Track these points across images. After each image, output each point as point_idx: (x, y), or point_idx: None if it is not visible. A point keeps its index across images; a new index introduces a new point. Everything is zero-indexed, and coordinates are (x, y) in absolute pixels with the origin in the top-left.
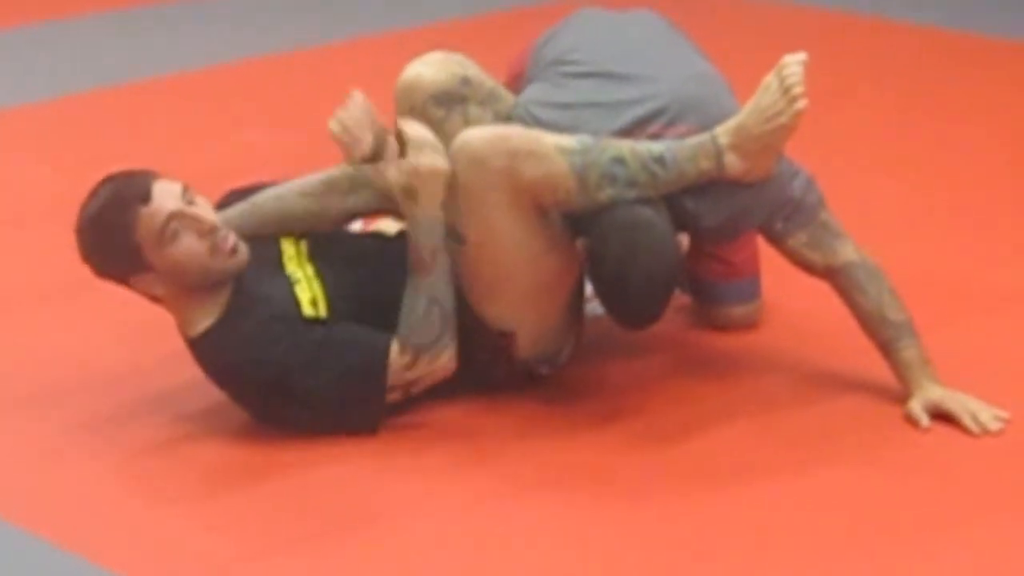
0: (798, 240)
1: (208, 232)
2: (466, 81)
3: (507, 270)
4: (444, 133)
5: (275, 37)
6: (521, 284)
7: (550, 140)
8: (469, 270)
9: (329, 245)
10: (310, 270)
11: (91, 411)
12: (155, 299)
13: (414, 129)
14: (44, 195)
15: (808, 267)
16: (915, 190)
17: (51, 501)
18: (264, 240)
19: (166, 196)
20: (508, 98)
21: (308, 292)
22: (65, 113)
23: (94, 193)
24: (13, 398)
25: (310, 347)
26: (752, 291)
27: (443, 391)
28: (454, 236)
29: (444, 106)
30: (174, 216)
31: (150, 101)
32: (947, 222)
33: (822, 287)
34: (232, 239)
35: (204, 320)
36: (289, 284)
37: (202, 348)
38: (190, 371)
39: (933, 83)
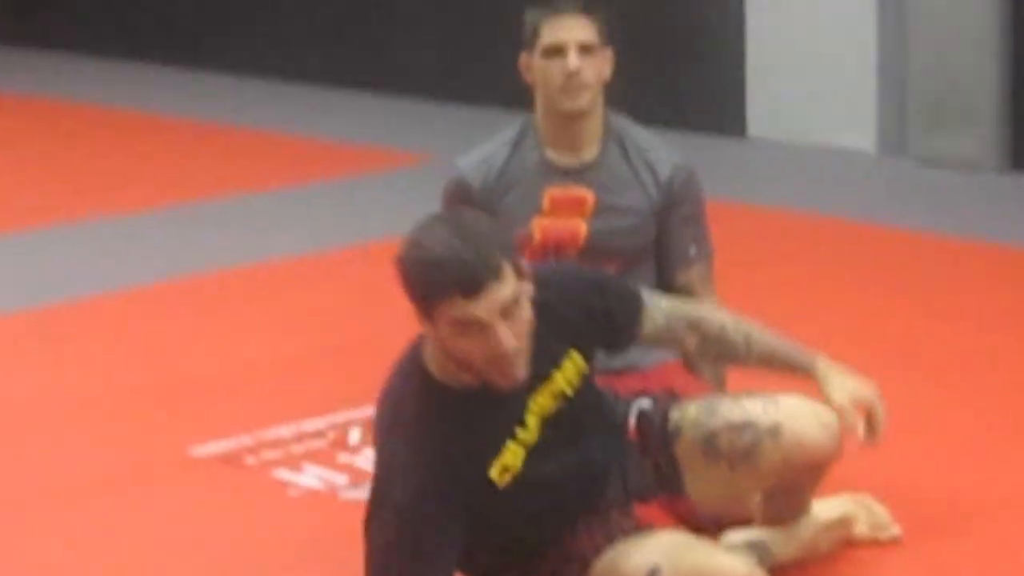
0: (698, 270)
1: (497, 358)
2: None
3: None
4: None
5: (267, 244)
6: None
7: None
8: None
9: (558, 432)
10: (532, 439)
11: None
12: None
13: None
14: (38, 400)
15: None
16: (915, 396)
17: None
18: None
19: (493, 298)
20: None
21: (511, 458)
22: (57, 319)
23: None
24: None
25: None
26: None
27: None
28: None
29: None
30: (472, 323)
31: (145, 307)
32: (945, 427)
33: None
34: (522, 370)
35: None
36: (508, 436)
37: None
38: None
39: (935, 289)
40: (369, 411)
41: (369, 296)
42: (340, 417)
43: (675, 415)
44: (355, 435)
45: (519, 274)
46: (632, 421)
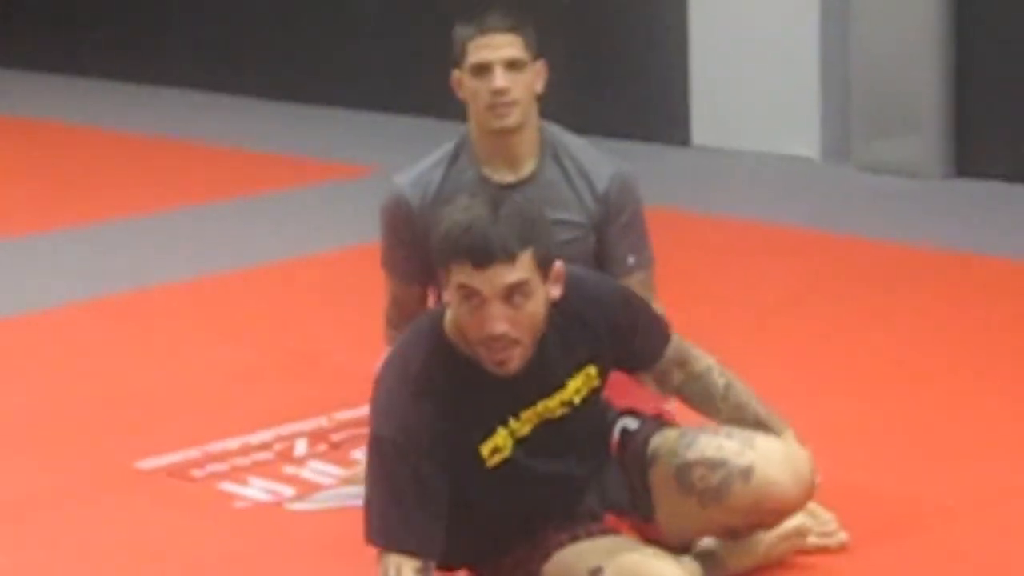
0: (638, 279)
1: (485, 339)
2: None
3: None
4: None
5: (213, 257)
6: None
7: None
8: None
9: (553, 435)
10: (523, 432)
11: None
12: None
13: None
14: None
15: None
16: (863, 403)
17: None
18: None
19: (499, 277)
20: None
21: (502, 440)
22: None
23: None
24: None
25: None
26: None
27: None
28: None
29: None
30: (475, 294)
31: (90, 321)
32: (894, 434)
33: None
34: (515, 363)
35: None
36: (499, 421)
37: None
38: None
39: (880, 295)
40: (315, 423)
41: (315, 308)
42: (286, 429)
43: (655, 441)
44: (301, 447)
45: (543, 272)
46: (616, 436)
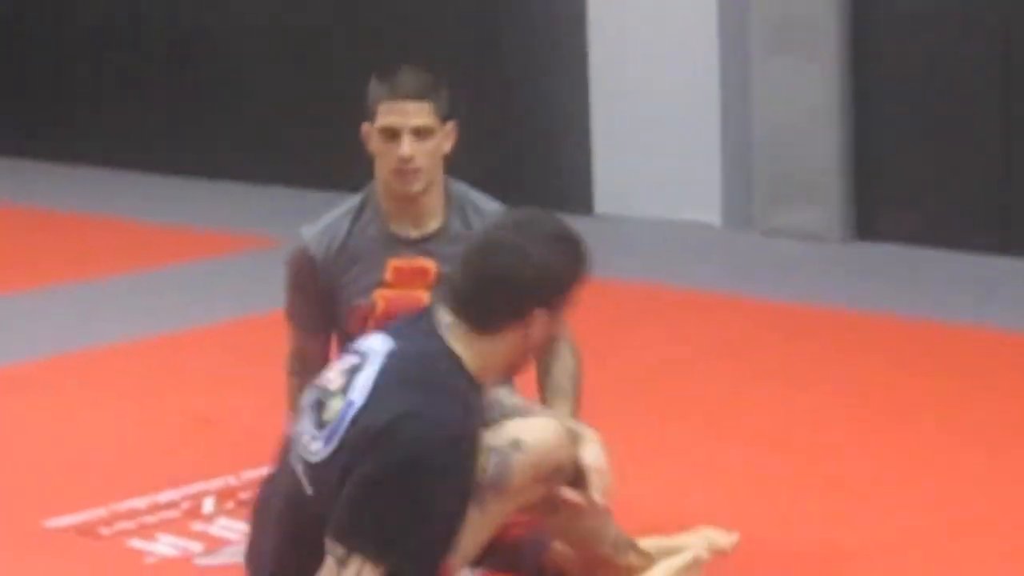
0: None
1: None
2: None
3: None
4: None
5: (120, 326)
6: None
7: None
8: None
9: None
10: None
11: None
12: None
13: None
14: None
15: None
16: (757, 456)
17: None
18: None
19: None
20: None
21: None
22: None
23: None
24: None
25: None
26: None
27: None
28: None
29: None
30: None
31: (14, 386)
32: (790, 485)
33: None
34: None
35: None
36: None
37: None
38: None
39: (773, 353)
40: (222, 482)
41: (219, 375)
42: (193, 488)
43: None
44: (208, 505)
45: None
46: None
